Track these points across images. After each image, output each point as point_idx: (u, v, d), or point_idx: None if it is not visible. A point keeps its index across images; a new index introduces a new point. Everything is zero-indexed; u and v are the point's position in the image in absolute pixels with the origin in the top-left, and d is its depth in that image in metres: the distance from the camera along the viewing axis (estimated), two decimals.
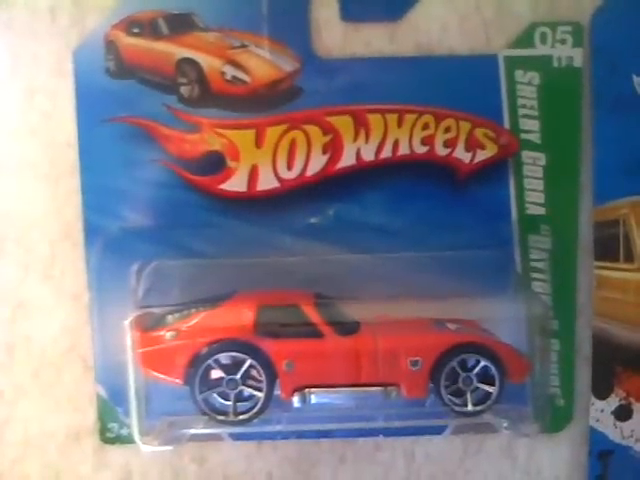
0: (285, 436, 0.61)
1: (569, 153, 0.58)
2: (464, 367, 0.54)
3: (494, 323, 0.57)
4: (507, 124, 0.57)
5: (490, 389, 0.54)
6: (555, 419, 0.62)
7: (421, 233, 0.58)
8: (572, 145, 0.58)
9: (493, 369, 0.53)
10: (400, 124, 0.57)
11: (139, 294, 0.57)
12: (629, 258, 0.59)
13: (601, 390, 0.61)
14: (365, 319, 0.55)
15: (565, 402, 0.62)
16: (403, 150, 0.57)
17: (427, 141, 0.57)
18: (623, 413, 0.61)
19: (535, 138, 0.58)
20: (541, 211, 0.59)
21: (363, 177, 0.58)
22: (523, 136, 0.58)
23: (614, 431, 0.61)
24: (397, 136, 0.57)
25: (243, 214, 0.58)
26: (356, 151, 0.57)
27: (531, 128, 0.57)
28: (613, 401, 0.61)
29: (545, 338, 0.59)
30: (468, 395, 0.54)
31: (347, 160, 0.58)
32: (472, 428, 0.61)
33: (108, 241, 0.59)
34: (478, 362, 0.54)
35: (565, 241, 0.59)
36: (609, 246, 0.59)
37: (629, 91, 0.57)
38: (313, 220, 0.59)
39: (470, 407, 0.54)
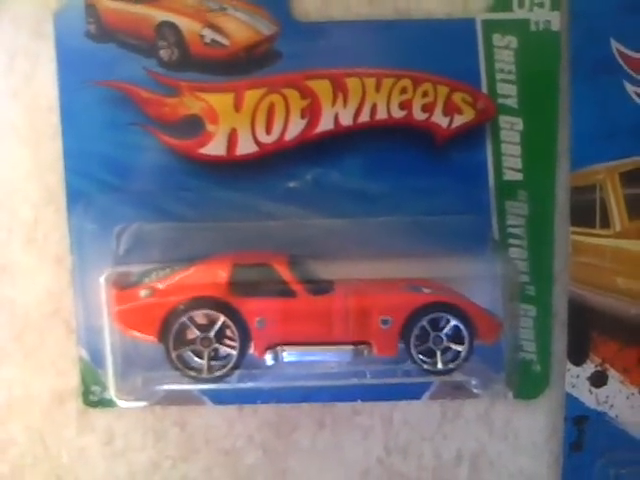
0: (265, 400, 0.62)
1: (546, 118, 0.58)
2: (434, 326, 0.54)
3: (467, 284, 0.57)
4: (485, 88, 0.58)
5: (460, 348, 0.54)
6: (532, 385, 0.62)
7: (399, 197, 0.59)
8: (549, 110, 0.58)
9: (463, 329, 0.54)
10: (378, 88, 0.57)
11: (118, 255, 0.58)
12: (605, 224, 0.60)
13: (577, 356, 0.61)
14: (339, 279, 0.55)
15: (542, 368, 0.62)
16: (381, 114, 0.58)
17: (405, 105, 0.58)
18: (598, 379, 0.62)
19: (512, 103, 0.58)
20: (518, 177, 0.59)
21: (341, 142, 0.58)
22: (500, 101, 0.58)
23: (589, 397, 0.62)
24: (375, 100, 0.57)
25: (222, 178, 0.59)
26: (334, 116, 0.58)
27: (508, 93, 0.58)
28: (589, 367, 0.61)
29: (517, 303, 0.60)
30: (438, 354, 0.54)
31: (325, 125, 0.58)
32: (450, 394, 0.62)
33: (90, 205, 0.59)
34: (448, 322, 0.54)
35: (542, 207, 0.59)
36: (585, 212, 0.60)
37: (607, 55, 0.57)
38: (292, 184, 0.59)
39: (440, 366, 0.55)
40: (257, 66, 0.57)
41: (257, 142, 0.58)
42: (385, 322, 0.53)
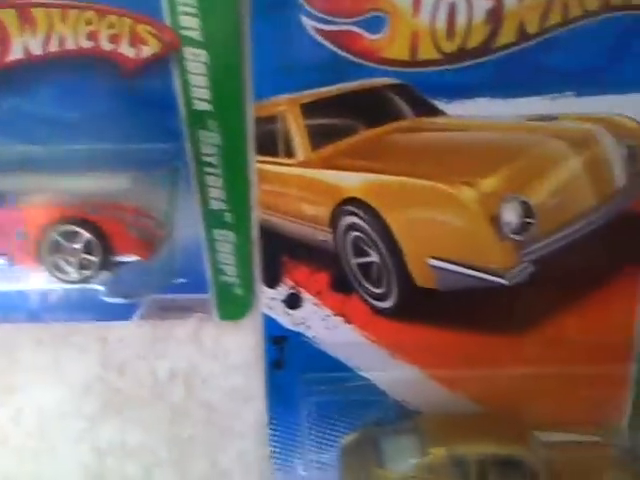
0: None
1: (229, 50, 0.60)
2: (69, 239, 0.57)
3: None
4: (168, 21, 0.60)
5: (94, 259, 0.58)
6: (236, 307, 0.66)
7: (95, 126, 0.61)
8: (232, 43, 0.60)
9: (96, 242, 0.57)
10: (64, 19, 0.60)
11: None
12: (289, 153, 0.63)
13: (271, 279, 0.65)
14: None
15: (244, 291, 0.66)
16: (70, 45, 0.60)
17: (92, 36, 0.60)
18: (293, 302, 0.65)
19: (196, 35, 0.60)
20: (207, 107, 0.62)
21: (34, 70, 0.60)
22: (184, 33, 0.60)
23: (286, 318, 0.66)
24: (62, 31, 0.60)
25: None
26: (24, 45, 0.60)
27: (191, 25, 0.60)
28: (283, 290, 0.65)
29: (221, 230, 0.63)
30: (73, 265, 0.58)
31: (16, 53, 0.60)
32: (158, 315, 0.66)
33: None
34: (82, 235, 0.58)
35: (233, 137, 0.62)
36: (270, 141, 0.63)
37: None
38: None
39: (76, 276, 0.58)
40: None
41: None
42: (20, 235, 0.57)
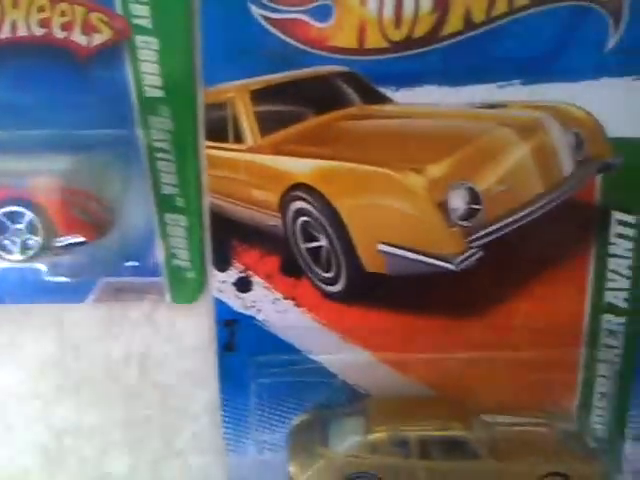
0: None
1: (180, 38, 0.61)
2: (13, 220, 0.59)
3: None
4: (119, 9, 0.61)
5: (37, 239, 0.59)
6: (188, 290, 0.67)
7: (48, 112, 0.63)
8: (182, 30, 0.61)
9: (39, 222, 0.58)
10: (15, 5, 0.61)
11: None
12: (238, 139, 0.64)
13: (221, 263, 0.66)
14: None
15: (196, 275, 0.67)
16: (22, 31, 0.61)
17: (44, 24, 0.61)
18: (243, 285, 0.66)
19: (147, 23, 0.61)
20: (158, 94, 0.63)
21: None
22: (135, 21, 0.61)
23: (237, 302, 0.67)
24: (14, 17, 0.61)
25: None
26: None
27: (142, 13, 0.61)
28: (233, 273, 0.66)
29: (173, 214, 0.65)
30: (17, 245, 0.59)
31: None
32: (113, 296, 0.67)
33: None
34: (25, 215, 0.59)
35: (184, 122, 0.63)
36: (220, 128, 0.64)
37: None
38: None
39: (20, 256, 0.60)
40: None
41: None
42: None
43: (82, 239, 0.61)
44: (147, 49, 0.62)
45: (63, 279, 0.65)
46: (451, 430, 0.61)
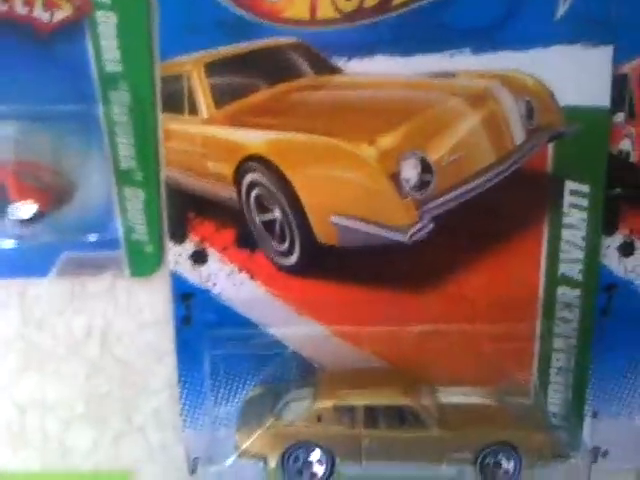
0: None
1: (138, 13, 0.63)
2: None
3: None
4: None
5: None
6: (146, 264, 0.68)
7: (8, 89, 0.65)
8: (140, 5, 0.63)
9: None
10: None
11: None
12: (193, 111, 0.65)
13: (177, 235, 0.67)
14: None
15: (154, 248, 0.68)
16: None
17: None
18: (199, 257, 0.67)
19: None
20: (118, 68, 0.65)
21: None
22: None
23: (193, 274, 0.67)
24: None
25: None
26: None
27: None
28: (189, 246, 0.67)
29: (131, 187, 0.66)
30: None
31: None
32: (74, 271, 0.68)
33: None
34: None
35: (142, 96, 0.65)
36: (176, 100, 0.65)
37: None
38: None
39: None
40: None
41: None
42: None
43: (35, 205, 0.62)
44: (106, 24, 0.64)
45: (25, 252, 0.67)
46: (397, 399, 0.60)
